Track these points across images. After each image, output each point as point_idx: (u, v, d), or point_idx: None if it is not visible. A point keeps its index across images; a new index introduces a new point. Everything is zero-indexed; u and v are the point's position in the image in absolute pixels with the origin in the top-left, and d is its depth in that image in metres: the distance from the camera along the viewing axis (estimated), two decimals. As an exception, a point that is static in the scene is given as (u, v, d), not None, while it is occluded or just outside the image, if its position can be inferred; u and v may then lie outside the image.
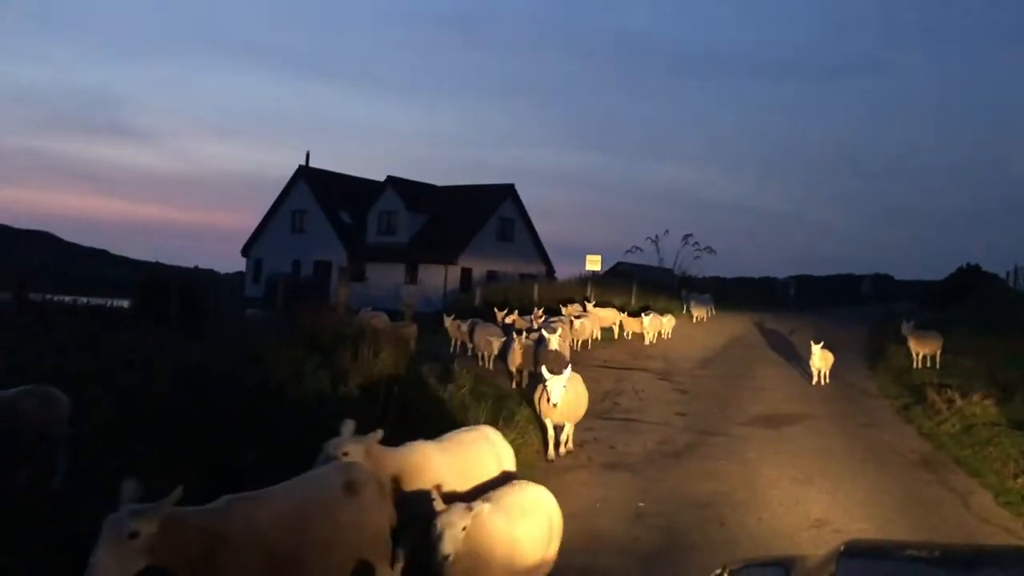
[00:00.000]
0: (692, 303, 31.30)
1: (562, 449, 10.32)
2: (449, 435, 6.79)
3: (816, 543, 7.21)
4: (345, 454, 5.67)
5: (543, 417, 10.21)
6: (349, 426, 6.00)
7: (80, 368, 11.17)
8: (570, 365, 10.48)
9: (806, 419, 13.64)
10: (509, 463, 6.91)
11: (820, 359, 17.29)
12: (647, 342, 23.39)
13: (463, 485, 6.26)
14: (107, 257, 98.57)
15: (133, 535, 4.06)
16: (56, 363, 11.29)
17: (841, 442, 11.95)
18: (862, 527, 8.07)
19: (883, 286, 53.13)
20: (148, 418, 9.43)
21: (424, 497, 5.46)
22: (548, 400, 9.70)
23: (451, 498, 5.35)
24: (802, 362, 19.34)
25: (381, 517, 5.43)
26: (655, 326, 24.00)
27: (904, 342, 19.93)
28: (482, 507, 4.96)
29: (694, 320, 30.19)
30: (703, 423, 12.98)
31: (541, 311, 21.13)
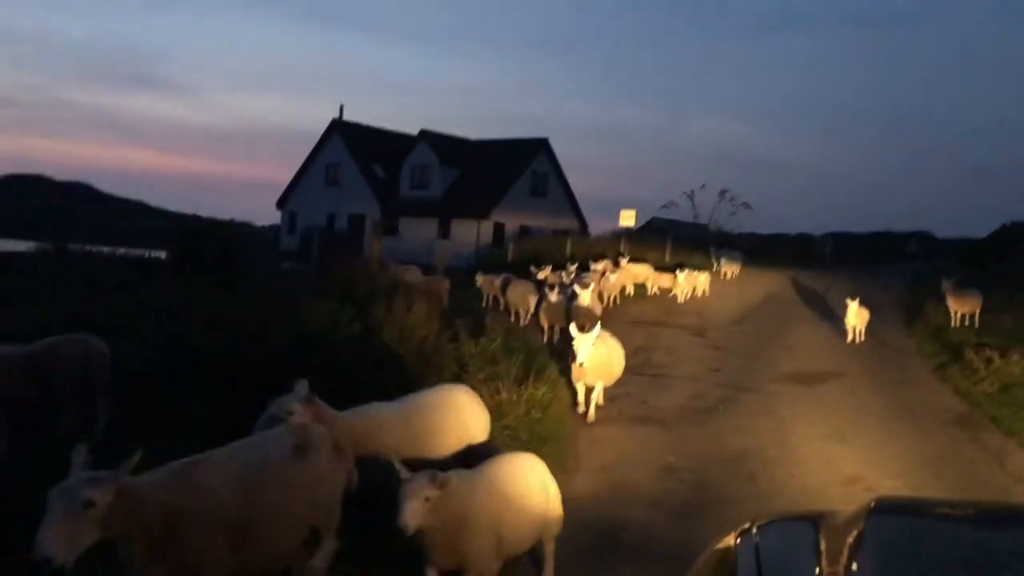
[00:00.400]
0: (723, 260, 30.75)
1: (592, 409, 9.98)
2: (414, 396, 6.54)
3: (847, 500, 7.19)
4: (291, 413, 5.41)
5: (574, 380, 9.94)
6: (303, 385, 5.69)
7: (118, 318, 11.40)
8: (599, 323, 10.13)
9: (839, 377, 13.54)
10: (478, 428, 6.57)
11: (855, 316, 17.09)
12: (680, 300, 23.01)
13: (420, 452, 5.97)
14: (144, 209, 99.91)
15: (88, 504, 3.68)
16: (94, 313, 11.52)
17: (875, 400, 11.87)
18: (894, 485, 8.04)
19: (929, 245, 51.86)
20: (184, 366, 9.61)
21: (375, 464, 5.29)
22: (575, 360, 9.36)
23: (412, 466, 4.89)
24: (837, 320, 19.13)
25: (334, 482, 5.09)
26: (689, 283, 23.42)
27: (943, 300, 19.63)
28: (449, 477, 4.67)
29: (723, 277, 29.78)
30: (735, 379, 12.95)
31: (574, 267, 21.05)
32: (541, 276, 20.01)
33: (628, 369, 13.32)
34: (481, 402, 6.85)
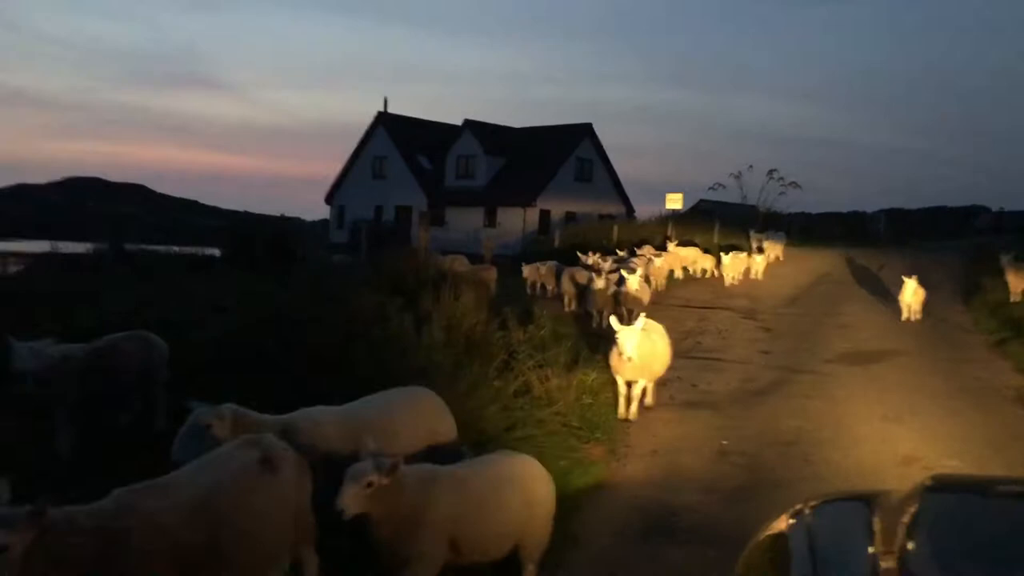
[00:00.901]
0: (765, 242, 28.51)
1: (633, 407, 9.32)
2: (364, 400, 6.18)
3: (904, 480, 7.05)
4: (208, 427, 5.04)
5: (614, 373, 9.23)
6: (228, 407, 5.32)
7: (173, 315, 11.67)
8: (643, 314, 9.39)
9: (895, 356, 13.30)
10: (442, 430, 6.14)
11: (912, 294, 16.73)
12: (727, 283, 22.38)
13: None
14: (198, 207, 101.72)
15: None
16: (151, 311, 11.82)
17: (932, 379, 11.64)
18: (953, 464, 7.90)
19: (997, 218, 50.10)
20: (239, 361, 9.81)
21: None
22: (621, 354, 8.62)
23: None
24: (892, 298, 18.76)
25: (303, 494, 4.77)
26: (736, 267, 22.45)
27: (1002, 275, 19.14)
28: (398, 464, 4.52)
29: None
30: (788, 361, 12.80)
31: (623, 253, 20.96)
32: (589, 262, 19.98)
33: (678, 353, 13.23)
34: (443, 404, 6.34)
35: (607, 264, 18.31)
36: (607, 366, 9.53)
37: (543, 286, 19.89)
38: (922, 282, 17.08)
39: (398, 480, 4.52)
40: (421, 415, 6.08)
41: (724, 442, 8.47)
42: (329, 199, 48.10)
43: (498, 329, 11.66)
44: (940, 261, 27.96)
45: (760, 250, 25.67)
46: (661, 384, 10.82)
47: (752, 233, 28.70)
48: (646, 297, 15.13)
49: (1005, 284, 18.87)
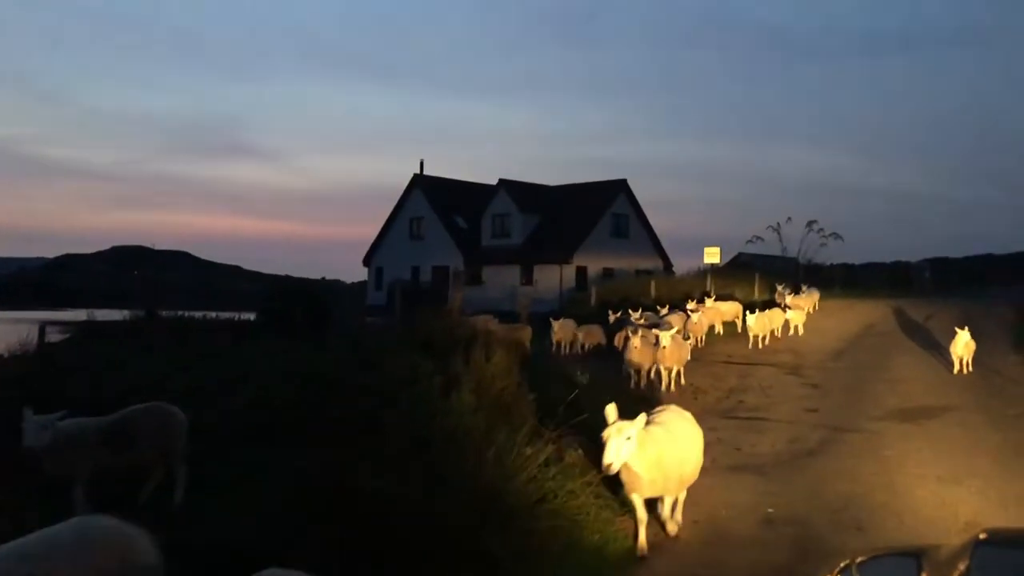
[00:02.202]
0: (793, 297, 25.47)
1: (669, 527, 7.28)
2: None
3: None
4: None
5: (627, 493, 6.94)
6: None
7: (204, 382, 11.49)
8: (643, 415, 6.70)
9: (949, 411, 12.65)
10: None
11: (964, 346, 16.04)
12: (751, 345, 20.22)
13: None
14: (241, 273, 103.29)
15: None
16: (180, 378, 11.65)
17: (990, 436, 10.98)
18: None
19: None
20: (266, 428, 9.56)
21: None
22: (609, 466, 6.27)
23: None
24: (941, 350, 18.10)
25: None
26: (762, 326, 20.50)
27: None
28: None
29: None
30: (835, 419, 12.22)
31: (638, 312, 20.43)
32: (634, 319, 19.62)
33: (720, 412, 12.79)
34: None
35: (639, 320, 17.96)
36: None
37: (581, 345, 19.58)
38: (973, 332, 16.42)
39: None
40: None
41: (770, 510, 7.96)
42: (367, 261, 48.39)
43: (531, 391, 11.31)
44: (989, 310, 27.02)
45: (786, 307, 23.57)
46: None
47: (779, 289, 27.17)
48: (686, 354, 14.67)
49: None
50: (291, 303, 19.28)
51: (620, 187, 44.39)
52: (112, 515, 7.22)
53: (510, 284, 41.75)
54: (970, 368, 16.20)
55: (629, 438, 6.34)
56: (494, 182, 45.23)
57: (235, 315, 23.39)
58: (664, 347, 14.00)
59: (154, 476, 7.93)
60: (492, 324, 19.02)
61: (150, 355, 14.18)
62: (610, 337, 19.49)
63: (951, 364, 16.43)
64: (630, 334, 14.58)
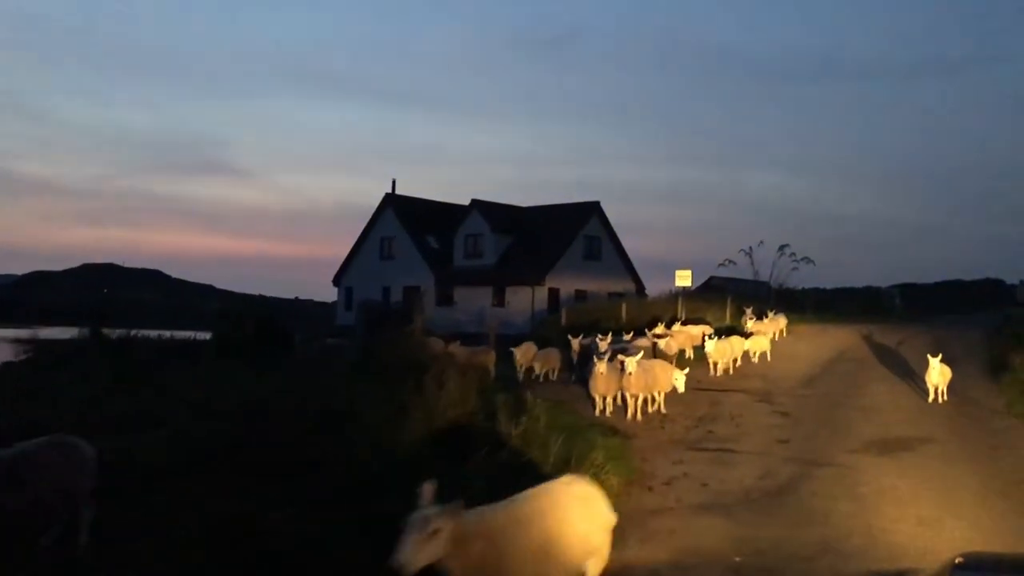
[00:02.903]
0: (757, 323, 24.81)
1: None
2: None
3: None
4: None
5: None
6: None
7: (133, 408, 10.63)
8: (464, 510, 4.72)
9: (926, 443, 12.00)
10: None
11: (938, 374, 15.46)
12: (712, 373, 19.11)
13: None
14: (214, 292, 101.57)
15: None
16: (110, 404, 10.78)
17: (971, 472, 10.31)
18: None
19: None
20: (201, 457, 8.73)
21: None
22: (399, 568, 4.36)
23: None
24: (915, 377, 17.57)
25: None
26: (721, 352, 19.17)
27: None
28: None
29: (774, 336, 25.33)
30: (808, 451, 11.51)
31: (607, 337, 19.50)
32: (576, 347, 18.77)
33: (688, 444, 12.06)
34: None
35: (606, 345, 17.20)
36: (603, 466, 8.34)
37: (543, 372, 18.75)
38: (946, 359, 15.87)
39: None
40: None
41: (737, 559, 7.19)
42: (337, 280, 47.42)
43: (486, 420, 10.53)
44: (961, 336, 26.66)
45: (747, 335, 22.59)
46: (667, 483, 9.62)
47: (747, 313, 26.37)
48: (650, 381, 13.94)
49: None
50: (242, 325, 18.37)
51: (593, 209, 43.83)
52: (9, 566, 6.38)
53: (482, 305, 41.01)
54: (945, 396, 15.62)
55: (436, 532, 4.45)
56: (467, 202, 44.55)
57: (192, 335, 22.52)
58: (630, 374, 13.28)
59: (57, 517, 7.05)
60: (455, 348, 18.27)
61: (85, 380, 13.29)
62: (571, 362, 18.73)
63: (926, 392, 15.86)
64: (596, 360, 13.81)
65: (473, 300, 41.52)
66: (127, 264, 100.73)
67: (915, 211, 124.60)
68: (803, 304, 35.92)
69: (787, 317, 32.13)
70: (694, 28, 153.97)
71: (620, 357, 13.92)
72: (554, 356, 18.72)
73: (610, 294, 40.60)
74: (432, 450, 8.81)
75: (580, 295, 41.08)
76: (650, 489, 9.38)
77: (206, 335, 22.19)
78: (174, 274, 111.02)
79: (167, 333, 22.19)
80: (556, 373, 19.04)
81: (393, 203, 45.44)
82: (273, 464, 8.14)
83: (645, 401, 14.19)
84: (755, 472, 10.26)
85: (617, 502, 8.53)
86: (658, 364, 14.68)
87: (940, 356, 15.73)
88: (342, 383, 11.60)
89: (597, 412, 13.90)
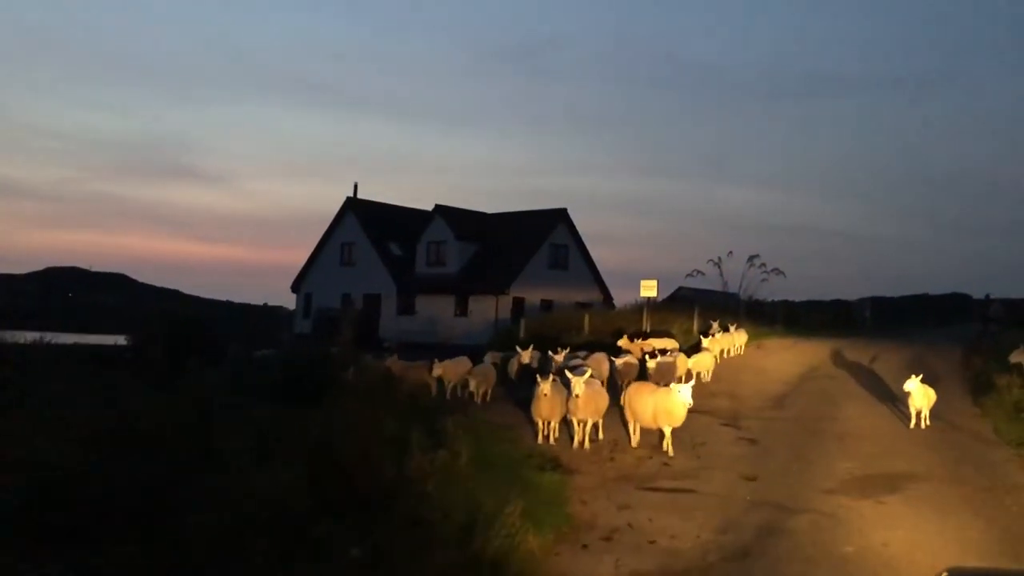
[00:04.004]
0: (724, 335, 22.59)
1: None
2: None
3: None
4: None
5: None
6: None
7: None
8: None
9: (914, 482, 10.19)
10: None
11: (921, 397, 13.72)
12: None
13: None
14: (180, 297, 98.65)
15: None
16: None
17: (973, 522, 8.49)
18: None
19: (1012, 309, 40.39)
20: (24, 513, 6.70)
21: None
22: None
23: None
24: (891, 397, 15.92)
25: None
26: (663, 374, 15.36)
27: (1007, 368, 16.25)
28: None
29: (724, 354, 22.97)
30: (779, 492, 9.65)
31: (564, 350, 17.39)
32: (525, 360, 16.85)
33: (638, 480, 10.17)
34: None
35: (559, 359, 15.29)
36: (518, 524, 6.40)
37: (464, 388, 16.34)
38: (924, 378, 14.18)
39: None
40: None
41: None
42: (296, 287, 45.11)
43: (395, 455, 8.56)
44: (935, 352, 25.04)
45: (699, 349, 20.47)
46: (606, 539, 7.70)
47: (714, 327, 23.82)
48: (600, 403, 12.04)
49: (1021, 382, 15.91)
50: (152, 332, 16.28)
51: (560, 216, 41.95)
52: None
53: (444, 315, 39.06)
54: (928, 421, 13.90)
55: None
56: (431, 208, 42.51)
57: (114, 340, 20.40)
58: (577, 396, 11.37)
59: None
60: (393, 363, 16.30)
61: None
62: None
63: (905, 415, 14.16)
64: (539, 380, 11.86)
65: (435, 309, 39.56)
66: (93, 268, 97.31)
67: (884, 226, 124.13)
68: (773, 316, 34.35)
69: (756, 330, 30.58)
70: (671, 42, 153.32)
71: (568, 375, 12.00)
72: (492, 373, 16.39)
73: (577, 304, 38.68)
74: (309, 500, 6.82)
75: (546, 305, 39.21)
76: (584, 547, 7.46)
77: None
78: (140, 279, 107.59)
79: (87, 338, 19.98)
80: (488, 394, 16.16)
81: (354, 208, 43.28)
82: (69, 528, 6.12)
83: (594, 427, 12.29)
84: (715, 522, 8.34)
85: (538, 572, 6.60)
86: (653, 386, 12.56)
87: (921, 376, 14.01)
88: (229, 408, 9.60)
89: (539, 439, 11.99)
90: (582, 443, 11.81)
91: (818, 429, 13.70)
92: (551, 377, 11.88)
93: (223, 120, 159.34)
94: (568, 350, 17.52)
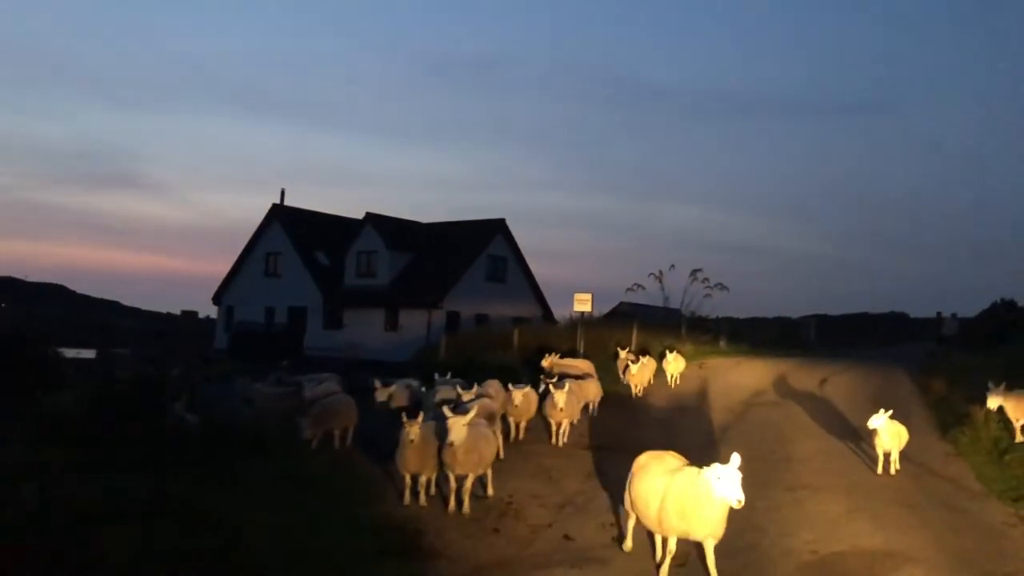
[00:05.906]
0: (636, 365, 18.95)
1: None
2: None
3: None
4: None
5: None
6: None
7: None
8: None
9: (899, 568, 7.26)
10: None
11: (891, 437, 10.87)
12: (552, 438, 12.94)
13: None
14: (120, 308, 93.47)
15: None
16: None
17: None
18: None
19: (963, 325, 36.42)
20: None
21: None
22: None
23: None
24: (848, 429, 13.32)
25: None
26: (572, 408, 12.92)
27: (976, 401, 13.63)
28: None
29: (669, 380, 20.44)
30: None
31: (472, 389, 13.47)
32: (381, 397, 12.92)
33: (527, 563, 7.08)
34: None
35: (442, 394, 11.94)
36: None
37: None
38: (880, 405, 11.50)
39: None
40: None
41: None
42: (217, 299, 41.23)
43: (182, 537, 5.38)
44: (886, 375, 22.54)
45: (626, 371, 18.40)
46: None
47: (622, 355, 20.62)
48: (488, 454, 8.93)
49: (992, 414, 13.18)
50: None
51: (498, 227, 38.84)
52: None
53: (373, 329, 35.69)
54: (898, 465, 11.09)
55: None
56: (361, 217, 39.09)
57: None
58: (451, 444, 8.25)
59: None
60: (261, 388, 13.05)
61: None
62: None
63: (868, 455, 11.45)
64: (405, 421, 8.70)
65: (364, 323, 36.17)
66: (29, 278, 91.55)
67: (825, 245, 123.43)
68: (717, 332, 31.78)
69: (699, 348, 27.88)
70: (615, 63, 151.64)
71: (449, 415, 8.84)
72: (350, 408, 12.24)
73: (514, 319, 35.59)
74: None
75: (481, 319, 36.08)
76: None
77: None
78: (79, 289, 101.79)
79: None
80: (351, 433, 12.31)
81: (280, 215, 39.59)
82: None
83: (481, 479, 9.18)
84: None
85: None
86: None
87: (890, 412, 11.18)
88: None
89: (406, 499, 8.83)
90: (460, 505, 8.67)
91: (768, 478, 10.75)
92: (419, 418, 8.73)
93: (167, 129, 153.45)
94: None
